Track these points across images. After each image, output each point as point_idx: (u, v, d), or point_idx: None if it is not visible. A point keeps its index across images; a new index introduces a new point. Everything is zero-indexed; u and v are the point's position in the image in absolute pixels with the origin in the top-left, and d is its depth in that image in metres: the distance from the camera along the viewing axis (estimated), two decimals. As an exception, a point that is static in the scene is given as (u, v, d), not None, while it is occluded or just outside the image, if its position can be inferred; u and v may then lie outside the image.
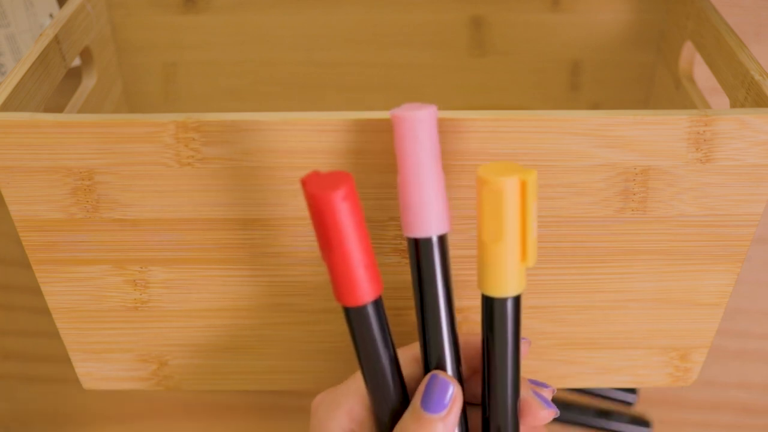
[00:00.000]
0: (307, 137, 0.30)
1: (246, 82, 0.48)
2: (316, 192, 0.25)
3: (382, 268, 0.35)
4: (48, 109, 0.35)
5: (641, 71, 0.47)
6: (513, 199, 0.26)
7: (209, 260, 0.34)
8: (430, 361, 0.30)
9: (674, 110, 0.31)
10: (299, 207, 0.33)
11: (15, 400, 0.60)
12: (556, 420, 0.58)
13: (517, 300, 0.29)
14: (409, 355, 0.32)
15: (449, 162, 0.31)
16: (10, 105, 0.32)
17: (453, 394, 0.30)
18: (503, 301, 0.28)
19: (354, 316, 0.28)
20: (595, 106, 0.48)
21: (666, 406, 0.60)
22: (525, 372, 0.39)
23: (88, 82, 0.43)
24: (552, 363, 0.38)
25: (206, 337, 0.37)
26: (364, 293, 0.27)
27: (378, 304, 0.28)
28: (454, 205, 0.32)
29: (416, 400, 0.30)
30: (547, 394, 0.32)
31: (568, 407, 0.59)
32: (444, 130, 0.30)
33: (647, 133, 0.31)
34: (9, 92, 0.32)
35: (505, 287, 0.28)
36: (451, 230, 0.32)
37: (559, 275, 0.35)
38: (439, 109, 0.29)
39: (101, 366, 0.38)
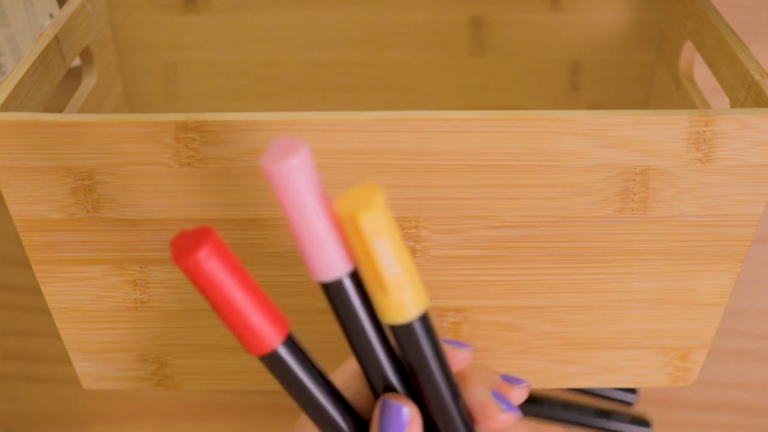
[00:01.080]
0: (306, 137, 0.30)
1: (246, 82, 0.48)
2: (180, 257, 0.23)
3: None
4: (48, 109, 0.35)
5: (641, 71, 0.47)
6: (356, 230, 0.24)
7: (209, 260, 0.34)
8: (377, 389, 0.29)
9: (674, 110, 0.31)
10: (299, 207, 0.33)
11: (15, 400, 0.60)
12: (556, 420, 0.58)
13: (422, 320, 0.26)
14: (350, 371, 0.30)
15: (449, 162, 0.31)
16: (10, 105, 0.32)
17: (409, 415, 0.28)
18: (401, 326, 0.26)
19: (268, 364, 0.26)
20: (595, 106, 0.48)
21: (666, 406, 0.60)
22: (524, 372, 0.38)
23: (88, 82, 0.43)
24: (552, 363, 0.38)
25: (206, 337, 0.37)
26: (269, 339, 0.25)
27: (290, 343, 0.26)
28: (450, 205, 0.32)
29: (374, 430, 0.28)
30: (519, 392, 0.30)
31: (568, 407, 0.59)
32: (444, 130, 0.30)
33: (647, 133, 0.31)
34: (9, 92, 0.32)
35: (392, 313, 0.25)
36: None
37: (559, 275, 0.35)
38: (439, 109, 0.29)
39: (101, 366, 0.38)
